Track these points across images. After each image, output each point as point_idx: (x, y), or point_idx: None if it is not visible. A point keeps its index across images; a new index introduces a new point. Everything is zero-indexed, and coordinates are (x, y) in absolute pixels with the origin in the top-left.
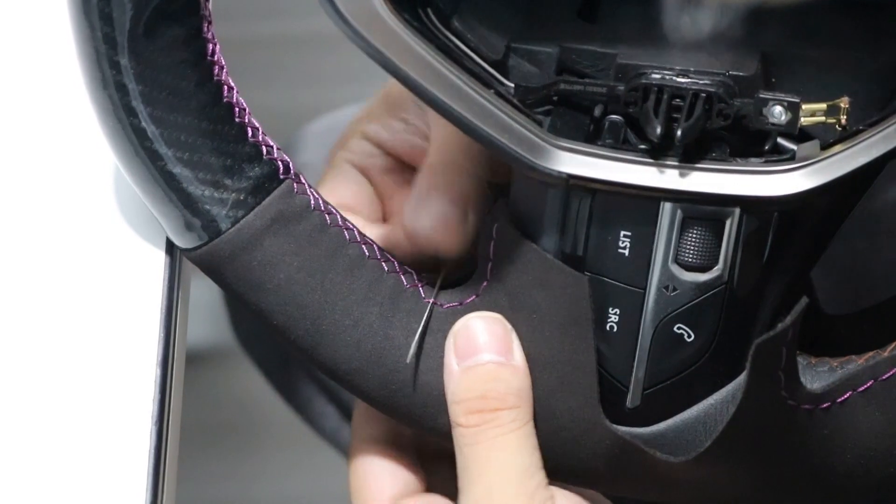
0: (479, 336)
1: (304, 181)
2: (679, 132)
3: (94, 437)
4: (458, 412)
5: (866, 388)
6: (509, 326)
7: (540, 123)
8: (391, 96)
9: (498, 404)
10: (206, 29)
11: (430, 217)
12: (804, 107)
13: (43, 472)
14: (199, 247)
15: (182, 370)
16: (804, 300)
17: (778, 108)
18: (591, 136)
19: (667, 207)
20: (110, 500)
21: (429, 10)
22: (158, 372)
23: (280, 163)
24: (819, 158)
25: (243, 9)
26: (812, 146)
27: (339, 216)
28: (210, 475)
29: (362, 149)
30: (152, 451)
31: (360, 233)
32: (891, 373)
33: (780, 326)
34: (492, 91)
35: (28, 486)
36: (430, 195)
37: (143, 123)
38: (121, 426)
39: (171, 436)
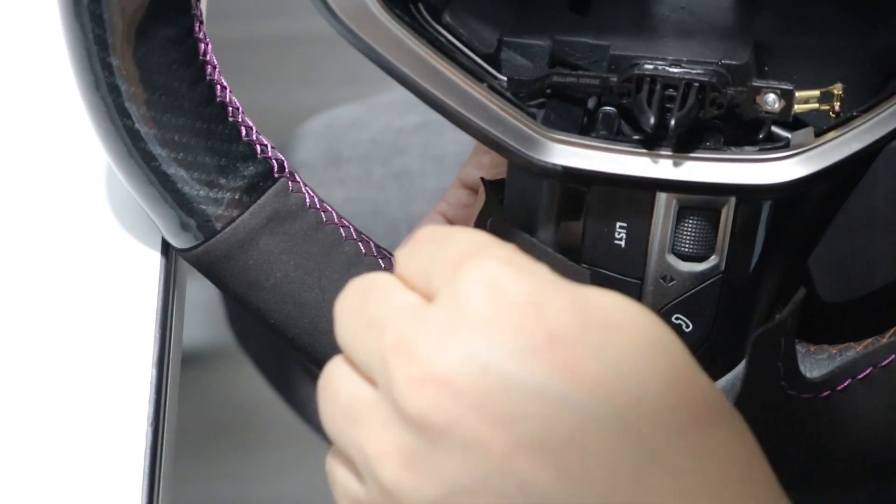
0: None
1: (298, 179)
2: (672, 122)
3: (89, 438)
4: None
5: (865, 376)
6: None
7: (534, 116)
8: None
9: None
10: (197, 29)
11: None
12: (797, 94)
13: (39, 472)
14: (195, 247)
15: (178, 370)
16: (802, 291)
17: (771, 96)
18: (585, 127)
19: (662, 198)
20: (106, 500)
21: (420, 6)
22: (154, 372)
23: (274, 161)
24: (813, 145)
25: (239, 9)
26: (806, 133)
27: (334, 214)
28: (206, 475)
29: (458, 199)
30: (148, 451)
31: (356, 230)
32: (889, 359)
33: (778, 317)
34: (485, 85)
35: (24, 487)
36: None
37: (137, 124)
38: (116, 427)
39: (166, 436)
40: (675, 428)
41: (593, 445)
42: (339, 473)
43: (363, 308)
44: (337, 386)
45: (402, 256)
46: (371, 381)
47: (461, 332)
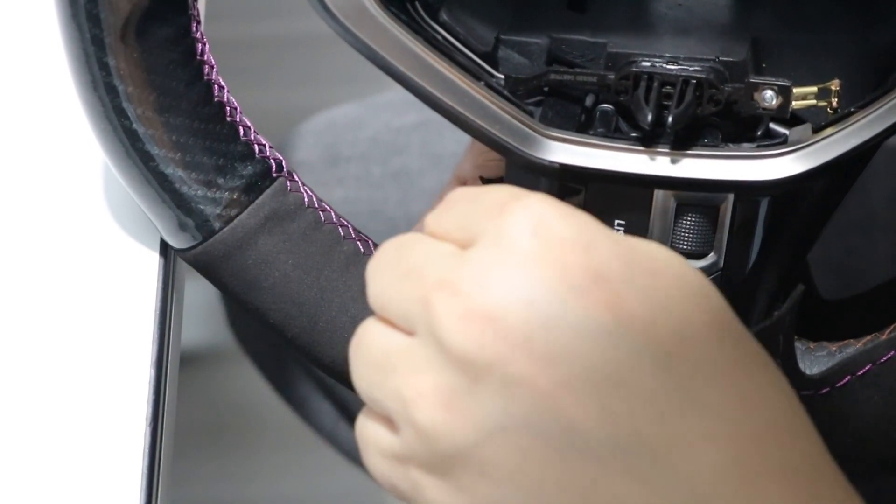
0: None
1: (297, 179)
2: (670, 119)
3: (88, 438)
4: None
5: (865, 372)
6: None
7: (531, 114)
8: None
9: None
10: (194, 28)
11: None
12: (795, 90)
13: (38, 472)
14: (194, 247)
15: (176, 371)
16: (800, 287)
17: (769, 93)
18: (583, 125)
19: (660, 195)
20: (105, 500)
21: (417, 4)
22: (153, 373)
23: (273, 161)
24: (811, 142)
25: (237, 9)
26: (804, 130)
27: (333, 213)
28: (205, 476)
29: None
30: (147, 452)
31: (354, 229)
32: (889, 356)
33: (776, 314)
34: (482, 83)
35: (23, 487)
36: None
37: (134, 124)
38: (115, 427)
39: (165, 436)
40: (721, 371)
41: (637, 384)
42: (370, 430)
43: (399, 261)
44: (370, 341)
45: (433, 217)
46: (407, 332)
47: (507, 269)
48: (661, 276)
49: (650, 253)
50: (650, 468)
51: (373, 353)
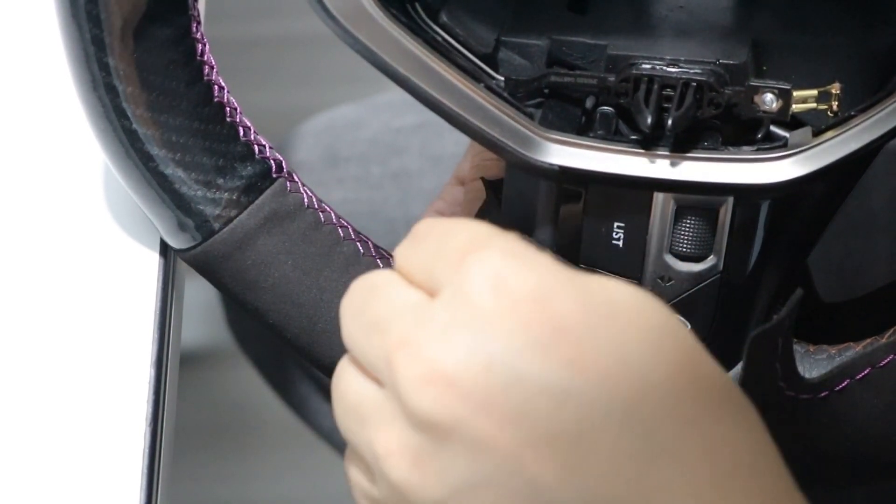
0: None
1: (297, 179)
2: (670, 122)
3: (88, 438)
4: None
5: (864, 376)
6: None
7: (531, 116)
8: None
9: None
10: (194, 29)
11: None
12: (795, 94)
13: (37, 473)
14: (193, 247)
15: (176, 371)
16: (799, 291)
17: (769, 96)
18: (583, 127)
19: (659, 198)
20: (105, 500)
21: (416, 6)
22: (153, 373)
23: (272, 161)
24: (811, 145)
25: (237, 9)
26: (804, 133)
27: (333, 214)
28: (205, 476)
29: (454, 196)
30: (146, 452)
31: (354, 230)
32: (888, 359)
33: (775, 318)
34: (482, 85)
35: (23, 487)
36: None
37: (134, 125)
38: (115, 427)
39: (165, 437)
40: (683, 419)
41: (600, 440)
42: (353, 473)
43: (366, 309)
44: (345, 386)
45: (401, 253)
46: (378, 381)
47: (465, 330)
48: (624, 321)
49: (612, 297)
50: None
51: (348, 400)
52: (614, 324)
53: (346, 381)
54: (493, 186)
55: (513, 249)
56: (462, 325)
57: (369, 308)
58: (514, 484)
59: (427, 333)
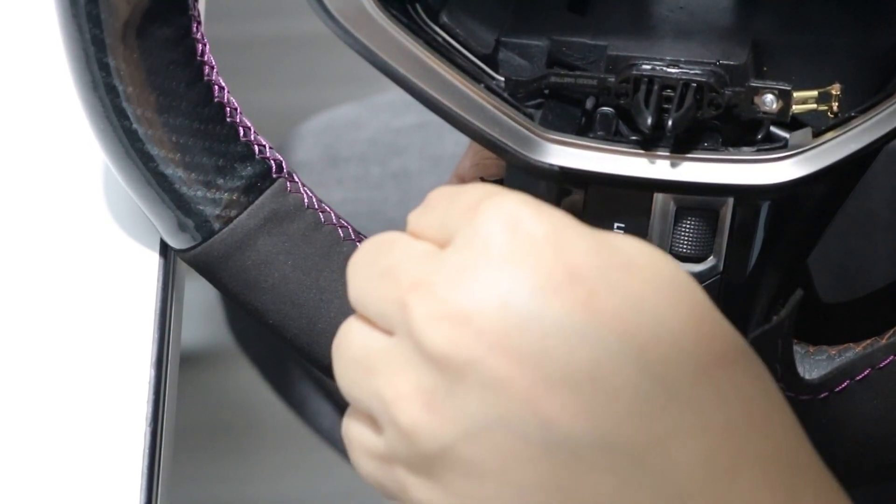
0: None
1: (297, 179)
2: (670, 123)
3: (88, 439)
4: None
5: (864, 377)
6: None
7: (531, 117)
8: None
9: None
10: (195, 29)
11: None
12: (795, 94)
13: (37, 473)
14: (193, 247)
15: (176, 371)
16: (799, 292)
17: (769, 97)
18: (583, 128)
19: (659, 198)
20: (105, 500)
21: (417, 6)
22: (153, 373)
23: (272, 162)
24: (811, 146)
25: (237, 9)
26: (804, 134)
27: (333, 214)
28: (205, 476)
29: None
30: (146, 452)
31: (354, 230)
32: (888, 360)
33: (775, 319)
34: (482, 85)
35: (23, 488)
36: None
37: (134, 125)
38: (115, 427)
39: (165, 437)
40: (696, 366)
41: (614, 381)
42: (354, 430)
43: (377, 260)
44: (350, 340)
45: (414, 216)
46: (387, 332)
47: (480, 270)
48: (637, 271)
49: (625, 247)
50: (628, 465)
51: (353, 353)
52: (629, 273)
53: (352, 335)
54: None
55: (527, 199)
56: (477, 265)
57: (380, 258)
58: (528, 424)
59: (441, 275)
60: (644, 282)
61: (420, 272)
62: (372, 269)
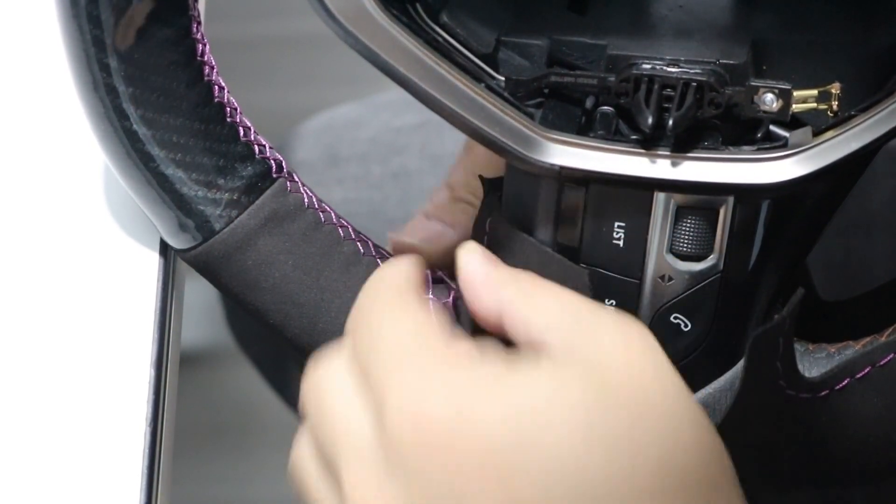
0: None
1: (297, 179)
2: (670, 122)
3: (88, 439)
4: None
5: (864, 375)
6: None
7: (531, 116)
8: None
9: None
10: (195, 29)
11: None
12: (795, 93)
13: (37, 473)
14: (194, 247)
15: (176, 371)
16: (800, 291)
17: (769, 96)
18: (583, 127)
19: (660, 197)
20: (105, 500)
21: (417, 6)
22: (153, 373)
23: (273, 162)
24: (811, 145)
25: (237, 9)
26: (804, 133)
27: (333, 214)
28: (205, 476)
29: (439, 200)
30: (146, 452)
31: (354, 230)
32: (888, 358)
33: (776, 318)
34: (482, 85)
35: (22, 488)
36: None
37: (135, 125)
38: (115, 427)
39: (165, 437)
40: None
41: None
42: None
43: (317, 433)
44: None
45: (340, 347)
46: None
47: (394, 478)
48: (549, 436)
49: (532, 399)
50: None
51: None
52: (542, 442)
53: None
54: (493, 186)
55: (428, 366)
56: (392, 472)
57: (319, 433)
58: None
59: (367, 487)
60: (561, 448)
61: (352, 477)
62: (314, 449)
